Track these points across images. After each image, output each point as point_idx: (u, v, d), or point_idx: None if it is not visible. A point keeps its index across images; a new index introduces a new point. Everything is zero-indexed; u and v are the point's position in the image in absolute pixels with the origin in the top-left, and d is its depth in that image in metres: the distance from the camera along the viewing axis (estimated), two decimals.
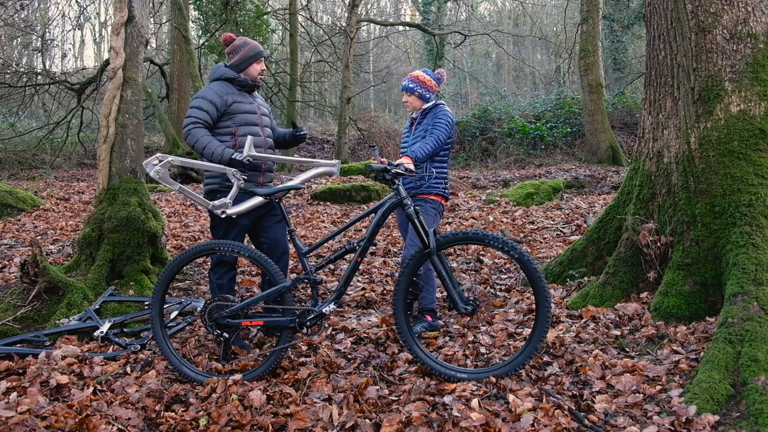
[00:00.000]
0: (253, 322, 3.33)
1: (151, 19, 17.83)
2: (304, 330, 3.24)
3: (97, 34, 28.85)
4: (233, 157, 3.44)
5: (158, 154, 3.47)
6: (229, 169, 3.43)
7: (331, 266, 5.55)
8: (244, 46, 3.73)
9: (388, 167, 3.28)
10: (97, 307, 4.02)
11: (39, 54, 15.14)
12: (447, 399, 2.83)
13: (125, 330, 3.88)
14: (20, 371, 3.31)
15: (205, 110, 3.55)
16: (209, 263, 5.52)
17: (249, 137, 3.51)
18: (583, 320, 3.78)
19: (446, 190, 4.07)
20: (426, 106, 4.06)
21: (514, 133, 17.76)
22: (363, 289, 4.89)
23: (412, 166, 3.51)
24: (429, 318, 3.90)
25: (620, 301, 3.89)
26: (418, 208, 3.26)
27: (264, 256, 3.29)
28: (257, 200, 3.47)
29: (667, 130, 3.99)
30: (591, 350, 3.32)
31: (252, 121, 3.70)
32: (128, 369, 3.33)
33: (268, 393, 2.95)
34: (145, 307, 4.07)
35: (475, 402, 2.76)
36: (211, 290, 3.69)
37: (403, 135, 4.31)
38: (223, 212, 3.42)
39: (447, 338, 3.75)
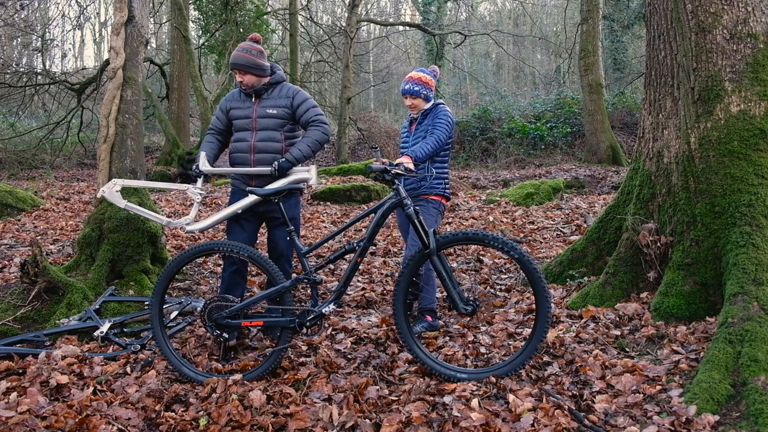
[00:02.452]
0: (252, 323, 3.33)
1: (151, 19, 17.82)
2: (304, 330, 3.24)
3: (97, 34, 28.89)
4: (190, 170, 3.71)
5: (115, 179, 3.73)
6: (182, 186, 3.67)
7: (331, 266, 5.55)
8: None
9: (388, 167, 3.28)
10: (97, 307, 4.02)
11: (39, 54, 15.13)
12: (447, 399, 2.83)
13: (125, 330, 3.88)
14: (20, 371, 3.31)
15: (216, 116, 3.88)
16: (209, 263, 5.54)
17: (202, 153, 3.70)
18: (583, 320, 3.78)
19: (447, 190, 4.07)
20: (426, 106, 4.05)
21: (514, 133, 17.75)
22: (363, 289, 4.89)
23: (411, 166, 3.50)
24: (429, 318, 3.90)
25: (620, 301, 3.89)
26: (418, 208, 3.25)
27: (263, 256, 3.29)
28: (224, 214, 3.53)
29: (667, 130, 3.99)
30: (591, 350, 3.32)
31: (242, 126, 3.75)
32: (128, 369, 3.33)
33: (268, 393, 2.95)
34: (145, 307, 4.07)
35: (475, 402, 2.76)
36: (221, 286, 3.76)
37: (402, 135, 4.30)
38: (182, 228, 3.57)
39: (447, 338, 3.75)
